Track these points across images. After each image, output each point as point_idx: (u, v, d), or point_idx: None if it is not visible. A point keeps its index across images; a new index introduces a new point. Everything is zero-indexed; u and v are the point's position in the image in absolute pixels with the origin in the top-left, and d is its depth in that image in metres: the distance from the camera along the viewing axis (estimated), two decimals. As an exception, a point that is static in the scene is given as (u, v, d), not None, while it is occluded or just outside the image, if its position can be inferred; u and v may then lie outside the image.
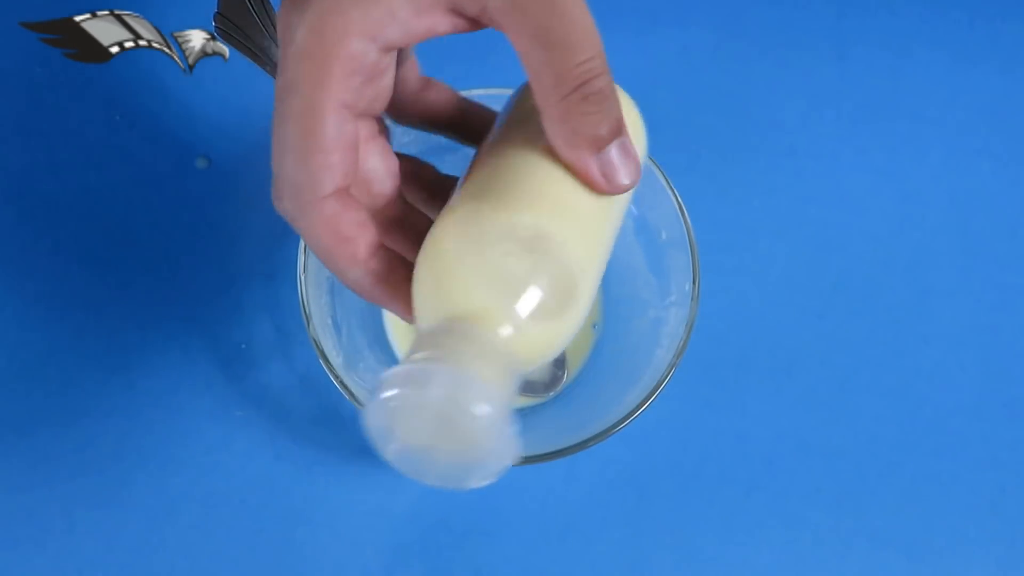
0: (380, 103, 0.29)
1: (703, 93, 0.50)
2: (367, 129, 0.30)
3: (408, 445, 0.26)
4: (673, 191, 0.38)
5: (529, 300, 0.26)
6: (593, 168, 0.27)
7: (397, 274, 0.29)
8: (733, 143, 0.49)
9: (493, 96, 0.39)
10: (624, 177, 0.27)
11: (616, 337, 0.43)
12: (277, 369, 0.44)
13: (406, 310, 0.28)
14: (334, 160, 0.27)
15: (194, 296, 0.45)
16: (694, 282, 0.38)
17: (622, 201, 0.31)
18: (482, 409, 0.24)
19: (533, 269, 0.26)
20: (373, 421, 0.25)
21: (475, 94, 0.38)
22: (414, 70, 0.33)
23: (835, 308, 0.46)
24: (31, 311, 0.44)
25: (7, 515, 0.41)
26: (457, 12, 0.27)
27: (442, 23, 0.27)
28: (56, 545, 0.41)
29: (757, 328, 0.46)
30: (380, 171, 0.30)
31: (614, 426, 0.36)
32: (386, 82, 0.28)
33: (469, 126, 0.34)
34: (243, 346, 0.44)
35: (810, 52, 0.51)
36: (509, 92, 0.40)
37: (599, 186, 0.28)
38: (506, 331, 0.25)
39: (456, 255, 0.26)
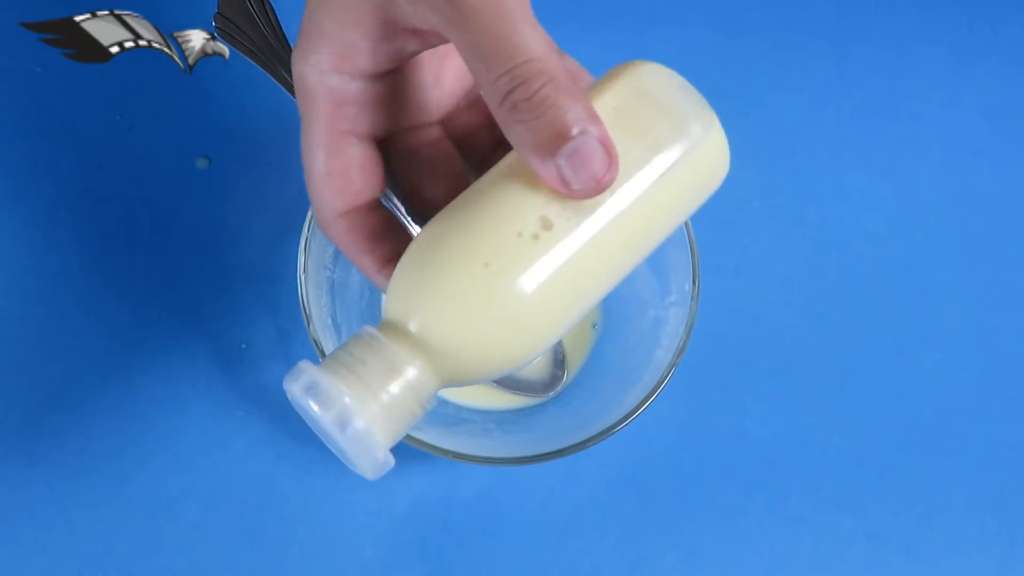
0: (391, 123, 0.31)
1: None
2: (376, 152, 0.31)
3: (312, 421, 0.29)
4: (673, 191, 0.38)
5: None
6: (544, 172, 0.26)
7: None
8: (733, 143, 0.49)
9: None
10: (576, 183, 0.26)
11: (616, 337, 0.43)
12: (277, 369, 0.44)
13: None
14: (337, 184, 0.30)
15: (194, 296, 0.45)
16: (694, 282, 0.38)
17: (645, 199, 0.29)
18: (342, 434, 0.27)
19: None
20: (291, 391, 0.28)
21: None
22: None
23: (835, 308, 0.46)
24: (31, 311, 0.44)
25: (7, 515, 0.41)
26: (415, 33, 0.28)
27: (409, 44, 0.28)
28: (56, 545, 0.41)
29: (757, 328, 0.46)
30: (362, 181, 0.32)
31: (614, 426, 0.36)
32: (394, 104, 0.30)
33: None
34: (243, 346, 0.44)
35: (810, 52, 0.51)
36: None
37: (558, 191, 0.26)
38: (417, 366, 0.27)
39: (408, 266, 0.28)
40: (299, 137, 0.30)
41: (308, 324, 0.37)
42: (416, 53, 0.29)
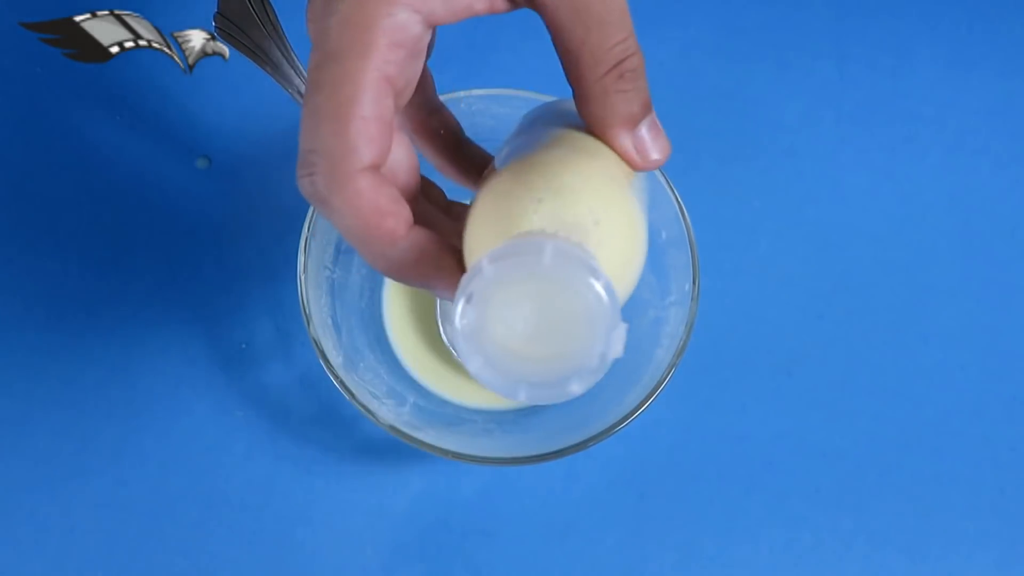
0: (412, 86, 0.28)
1: (703, 93, 0.50)
2: (397, 118, 0.29)
3: (498, 352, 0.24)
4: (673, 191, 0.38)
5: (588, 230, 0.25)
6: (628, 144, 0.28)
7: (439, 248, 0.27)
8: (733, 143, 0.49)
9: (494, 96, 0.39)
10: (655, 152, 0.28)
11: (616, 337, 0.43)
12: (277, 369, 0.44)
13: (450, 284, 0.27)
14: (373, 131, 0.25)
15: (194, 296, 0.45)
16: (694, 282, 0.38)
17: (646, 184, 0.31)
18: (597, 282, 0.23)
19: (578, 218, 0.25)
20: (463, 319, 0.24)
21: (475, 94, 0.38)
22: (431, 86, 0.33)
23: (835, 308, 0.46)
24: (31, 311, 0.44)
25: (7, 515, 0.41)
26: None
27: (480, 2, 0.27)
28: (56, 545, 0.41)
29: (757, 328, 0.46)
30: (405, 164, 0.29)
31: (614, 426, 0.36)
32: (419, 67, 0.28)
33: (467, 159, 0.34)
34: (243, 346, 0.44)
35: (810, 52, 0.51)
36: (509, 92, 0.40)
37: (634, 161, 0.28)
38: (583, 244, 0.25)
39: (508, 209, 0.26)
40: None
41: (308, 324, 0.37)
42: (474, 14, 0.27)
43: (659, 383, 0.37)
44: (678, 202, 0.38)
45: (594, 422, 0.37)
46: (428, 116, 0.33)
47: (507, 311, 0.24)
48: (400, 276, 0.28)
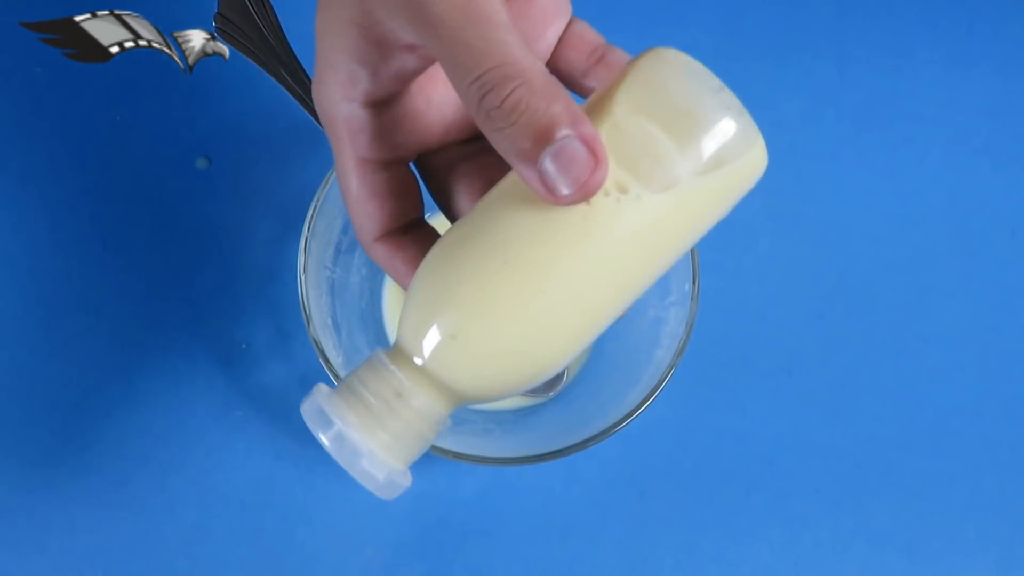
0: (405, 148, 0.30)
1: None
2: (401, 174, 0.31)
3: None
4: (673, 191, 0.38)
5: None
6: (532, 179, 0.25)
7: None
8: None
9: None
10: (563, 186, 0.24)
11: (616, 337, 0.43)
12: (277, 369, 0.44)
13: None
14: (370, 209, 0.30)
15: (194, 296, 0.45)
16: (694, 282, 0.38)
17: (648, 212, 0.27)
18: (357, 467, 0.27)
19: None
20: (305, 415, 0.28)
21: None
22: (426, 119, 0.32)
23: (835, 308, 0.46)
24: (31, 311, 0.44)
25: (7, 515, 0.41)
26: (409, 48, 0.27)
27: (408, 60, 0.28)
28: (56, 545, 0.41)
29: (757, 328, 0.46)
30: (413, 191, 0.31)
31: (614, 426, 0.36)
32: (403, 130, 0.30)
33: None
34: (243, 346, 0.44)
35: (810, 52, 0.51)
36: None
37: (545, 198, 0.25)
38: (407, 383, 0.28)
39: (416, 290, 0.28)
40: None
41: (308, 324, 0.37)
42: (421, 69, 0.28)
43: (659, 383, 0.37)
44: (678, 202, 0.38)
45: (594, 422, 0.37)
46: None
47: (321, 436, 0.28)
48: None
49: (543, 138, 0.24)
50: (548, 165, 0.24)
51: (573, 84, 0.31)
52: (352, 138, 0.29)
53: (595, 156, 0.24)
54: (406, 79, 0.29)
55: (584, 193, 0.25)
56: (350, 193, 0.30)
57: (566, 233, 0.26)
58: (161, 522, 0.42)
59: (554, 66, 0.31)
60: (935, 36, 0.52)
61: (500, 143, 0.25)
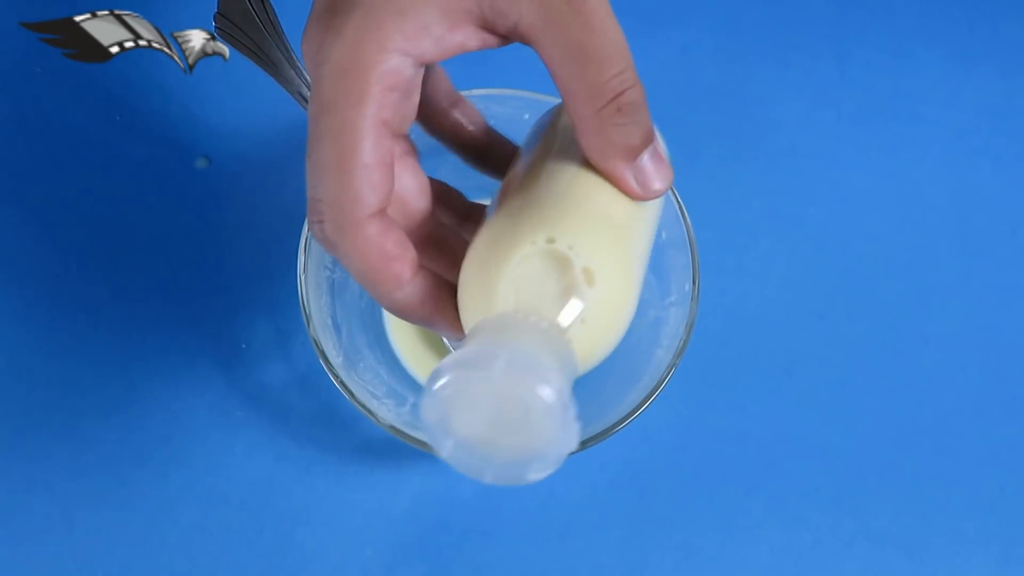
0: (409, 120, 0.29)
1: (703, 93, 0.50)
2: (400, 147, 0.30)
3: (465, 440, 0.26)
4: (673, 191, 0.38)
5: (567, 302, 0.26)
6: (628, 176, 0.28)
7: (442, 290, 0.29)
8: (733, 143, 0.49)
9: (494, 96, 0.39)
10: (657, 182, 0.28)
11: (616, 337, 0.43)
12: (277, 369, 0.44)
13: (454, 326, 0.29)
14: (376, 178, 0.26)
15: (194, 296, 0.45)
16: (694, 282, 0.38)
17: (658, 203, 0.31)
18: (545, 391, 0.23)
19: (566, 275, 0.26)
20: (429, 414, 0.25)
21: (475, 94, 0.38)
22: (446, 82, 0.33)
23: (835, 308, 0.46)
24: (31, 311, 0.44)
25: (7, 515, 0.41)
26: (488, 28, 0.27)
27: (473, 39, 0.27)
28: (56, 545, 0.41)
29: (757, 328, 0.46)
30: (414, 189, 0.30)
31: (614, 426, 0.36)
32: (416, 100, 0.28)
33: (492, 153, 0.34)
34: (243, 346, 0.44)
35: (810, 52, 0.51)
36: (508, 92, 0.40)
37: (635, 193, 0.28)
38: (555, 323, 0.26)
39: (496, 261, 0.26)
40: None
41: (308, 324, 0.37)
42: (466, 51, 0.27)
43: (659, 383, 0.37)
44: (678, 202, 0.38)
45: (594, 422, 0.37)
46: (448, 109, 0.33)
47: (466, 412, 0.25)
48: (405, 316, 0.29)
49: (650, 137, 0.28)
50: (647, 162, 0.28)
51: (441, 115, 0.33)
52: (383, 95, 0.26)
53: (667, 163, 0.29)
54: (453, 54, 0.27)
55: (666, 187, 0.29)
56: (357, 157, 0.26)
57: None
58: (161, 522, 0.42)
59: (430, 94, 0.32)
60: (935, 36, 0.52)
61: (614, 138, 0.27)
